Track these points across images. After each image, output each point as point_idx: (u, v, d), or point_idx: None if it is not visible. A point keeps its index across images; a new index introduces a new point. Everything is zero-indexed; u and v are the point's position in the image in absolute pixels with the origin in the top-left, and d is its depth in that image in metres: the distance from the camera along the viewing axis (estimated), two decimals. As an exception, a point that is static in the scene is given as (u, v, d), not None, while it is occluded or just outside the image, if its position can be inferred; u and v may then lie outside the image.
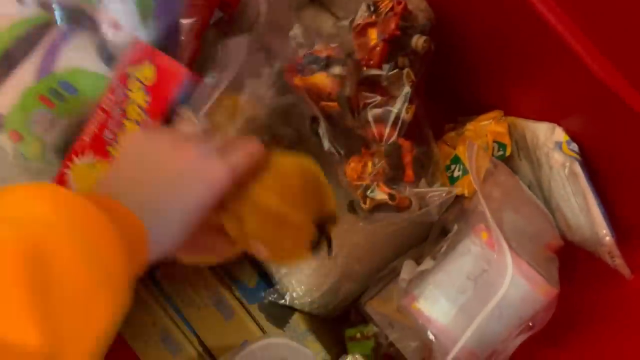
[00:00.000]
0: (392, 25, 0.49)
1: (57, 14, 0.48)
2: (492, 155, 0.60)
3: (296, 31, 0.52)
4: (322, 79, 0.49)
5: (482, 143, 0.60)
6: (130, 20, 0.47)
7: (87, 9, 0.48)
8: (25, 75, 0.48)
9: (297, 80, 0.50)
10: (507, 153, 0.60)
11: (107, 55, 0.49)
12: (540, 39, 0.52)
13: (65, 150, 0.51)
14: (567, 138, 0.55)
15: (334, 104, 0.52)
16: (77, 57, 0.48)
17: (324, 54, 0.49)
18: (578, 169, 0.54)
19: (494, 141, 0.60)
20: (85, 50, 0.48)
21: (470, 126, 0.61)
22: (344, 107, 0.52)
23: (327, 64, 0.49)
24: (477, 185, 0.54)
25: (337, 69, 0.49)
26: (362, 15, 0.52)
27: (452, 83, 0.62)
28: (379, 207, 0.53)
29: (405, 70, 0.50)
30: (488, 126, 0.61)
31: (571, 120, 0.55)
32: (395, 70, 0.50)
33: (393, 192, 0.52)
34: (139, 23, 0.47)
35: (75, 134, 0.51)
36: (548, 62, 0.54)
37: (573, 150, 0.55)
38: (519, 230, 0.54)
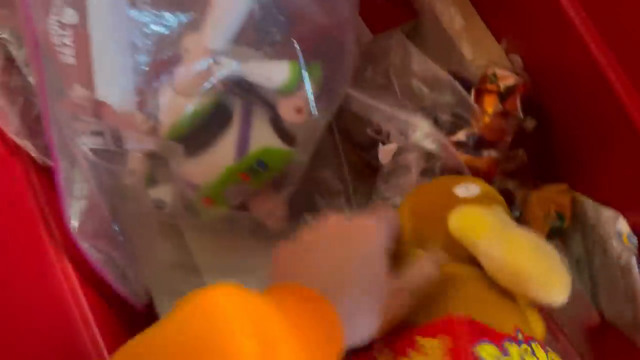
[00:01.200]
0: (516, 105, 0.51)
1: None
2: (550, 223, 0.64)
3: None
4: (483, 162, 0.51)
5: (544, 210, 0.64)
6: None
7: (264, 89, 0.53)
8: (224, 154, 0.52)
9: (463, 158, 0.53)
10: (564, 225, 0.64)
11: (282, 130, 0.54)
12: (618, 127, 0.55)
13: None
14: (629, 231, 0.59)
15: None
16: (264, 137, 0.54)
17: (477, 132, 0.51)
18: (634, 262, 0.58)
19: (555, 211, 0.64)
20: (267, 130, 0.54)
21: (535, 193, 0.65)
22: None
23: (482, 145, 0.51)
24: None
25: (492, 152, 0.51)
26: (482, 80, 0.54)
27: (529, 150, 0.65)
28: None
29: (520, 151, 0.53)
30: (552, 196, 0.64)
31: (635, 213, 0.59)
32: (512, 151, 0.53)
33: None
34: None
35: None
36: (623, 151, 0.57)
37: (632, 243, 0.59)
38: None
